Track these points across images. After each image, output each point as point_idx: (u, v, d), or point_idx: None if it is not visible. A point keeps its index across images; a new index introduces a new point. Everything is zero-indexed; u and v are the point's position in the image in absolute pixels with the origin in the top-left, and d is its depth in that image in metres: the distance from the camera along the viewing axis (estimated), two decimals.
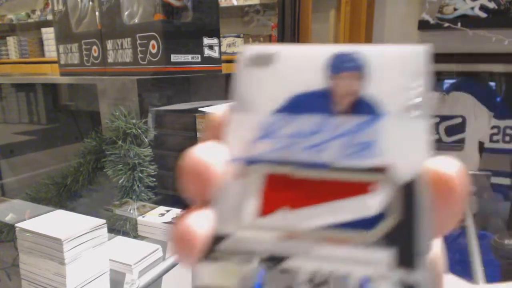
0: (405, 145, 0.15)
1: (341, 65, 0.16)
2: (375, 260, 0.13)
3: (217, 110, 0.17)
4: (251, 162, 0.15)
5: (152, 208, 0.79)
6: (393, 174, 0.14)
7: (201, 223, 0.14)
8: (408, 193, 0.14)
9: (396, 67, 0.16)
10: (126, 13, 0.93)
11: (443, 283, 0.17)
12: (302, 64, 0.17)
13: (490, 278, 0.72)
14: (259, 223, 0.14)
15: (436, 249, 0.15)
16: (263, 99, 0.16)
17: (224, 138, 0.16)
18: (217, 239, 0.14)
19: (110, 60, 0.98)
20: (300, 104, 0.16)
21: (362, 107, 0.16)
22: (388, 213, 0.14)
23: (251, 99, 0.16)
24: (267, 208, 0.15)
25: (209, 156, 0.15)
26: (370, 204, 0.14)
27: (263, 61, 0.17)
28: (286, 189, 0.15)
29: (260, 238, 0.14)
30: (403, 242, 0.13)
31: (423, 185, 0.14)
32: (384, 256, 0.13)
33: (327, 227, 0.14)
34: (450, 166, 0.14)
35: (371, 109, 0.15)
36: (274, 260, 0.14)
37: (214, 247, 0.14)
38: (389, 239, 0.13)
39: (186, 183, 0.15)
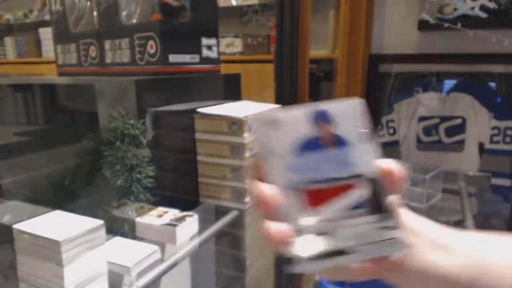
0: (365, 158, 0.30)
1: (319, 120, 0.30)
2: (370, 220, 0.30)
3: (252, 157, 0.32)
4: (287, 187, 0.30)
5: (150, 209, 0.79)
6: (364, 176, 0.30)
7: (280, 227, 0.29)
8: (373, 183, 0.30)
9: (349, 115, 0.30)
10: (124, 13, 0.92)
11: (401, 214, 0.33)
12: (296, 121, 0.30)
13: None
14: (309, 216, 0.30)
15: (394, 199, 0.31)
16: (278, 147, 0.30)
17: (264, 175, 0.30)
18: (295, 229, 0.29)
19: (108, 60, 0.98)
20: (302, 146, 0.30)
21: (338, 141, 0.30)
22: (367, 195, 0.30)
23: (271, 148, 0.30)
24: (310, 207, 0.30)
25: (266, 189, 0.30)
26: (358, 194, 0.30)
27: (272, 123, 0.30)
28: (314, 196, 0.30)
29: (312, 223, 0.29)
30: (377, 204, 0.30)
31: (378, 177, 0.30)
32: (371, 218, 0.30)
33: (345, 210, 0.30)
34: (391, 163, 0.31)
35: (342, 141, 0.30)
36: (323, 232, 0.29)
37: (295, 231, 0.29)
38: (370, 207, 0.30)
39: (258, 206, 0.29)
